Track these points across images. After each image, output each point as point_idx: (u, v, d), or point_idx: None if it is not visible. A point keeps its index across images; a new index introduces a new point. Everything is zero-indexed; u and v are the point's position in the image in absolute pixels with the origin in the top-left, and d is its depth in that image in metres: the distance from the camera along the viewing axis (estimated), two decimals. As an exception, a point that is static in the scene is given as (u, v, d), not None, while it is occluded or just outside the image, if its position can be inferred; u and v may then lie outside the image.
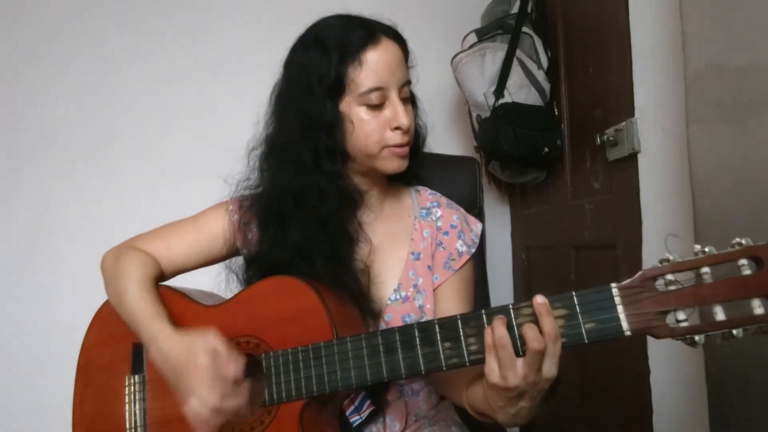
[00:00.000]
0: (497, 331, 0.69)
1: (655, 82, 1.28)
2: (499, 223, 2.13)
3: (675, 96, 1.15)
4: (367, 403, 0.90)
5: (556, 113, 1.78)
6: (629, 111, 1.36)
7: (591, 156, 1.59)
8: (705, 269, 0.61)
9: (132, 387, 0.95)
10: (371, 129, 0.93)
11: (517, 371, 0.67)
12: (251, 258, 1.00)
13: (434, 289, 1.01)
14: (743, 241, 0.60)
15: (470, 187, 1.34)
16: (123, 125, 1.93)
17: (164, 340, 0.84)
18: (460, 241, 1.03)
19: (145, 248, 1.02)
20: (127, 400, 0.95)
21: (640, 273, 0.65)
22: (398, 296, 0.98)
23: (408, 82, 0.97)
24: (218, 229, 1.03)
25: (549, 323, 0.68)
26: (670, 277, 0.63)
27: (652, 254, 1.30)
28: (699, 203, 0.98)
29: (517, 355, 0.69)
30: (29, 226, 1.87)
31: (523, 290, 2.08)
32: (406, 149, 0.96)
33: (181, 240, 1.03)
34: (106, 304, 1.02)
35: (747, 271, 0.59)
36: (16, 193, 1.87)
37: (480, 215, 1.35)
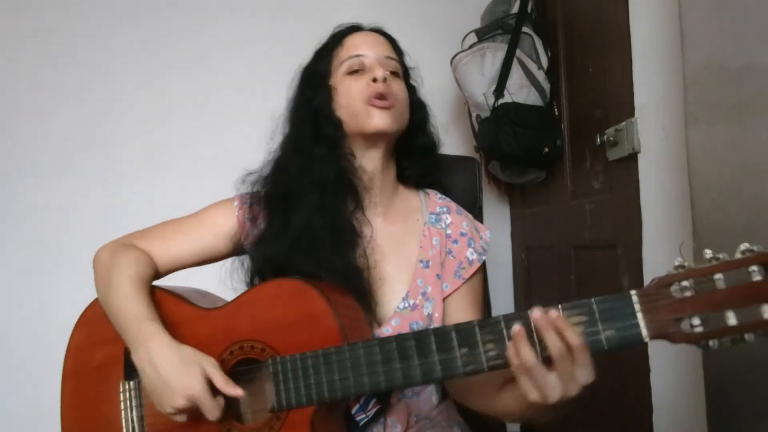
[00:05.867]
0: (522, 353, 0.67)
1: (655, 82, 1.28)
2: (499, 223, 2.13)
3: (675, 96, 1.15)
4: (373, 401, 0.89)
5: (556, 113, 1.78)
6: (629, 111, 1.36)
7: (591, 156, 1.59)
8: (718, 275, 0.63)
9: (127, 393, 0.92)
10: (354, 89, 0.99)
11: (556, 387, 0.66)
12: (256, 249, 0.99)
13: (444, 298, 1.00)
14: (755, 248, 0.62)
15: (470, 187, 1.33)
16: (122, 124, 1.93)
17: (157, 343, 0.82)
18: (471, 249, 1.03)
19: (141, 246, 1.00)
20: (122, 407, 0.92)
21: (656, 280, 0.65)
22: (407, 304, 0.97)
23: (393, 58, 1.03)
24: (223, 225, 1.02)
25: (572, 335, 0.66)
26: (685, 283, 0.64)
27: (652, 254, 1.30)
28: (698, 204, 0.98)
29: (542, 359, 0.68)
30: (29, 226, 1.87)
31: (523, 290, 2.08)
32: (385, 102, 0.97)
33: (182, 237, 1.02)
34: (93, 305, 0.99)
35: (757, 277, 0.61)
36: (15, 193, 1.87)
37: (480, 215, 1.34)
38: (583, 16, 1.65)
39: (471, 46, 1.80)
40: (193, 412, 0.82)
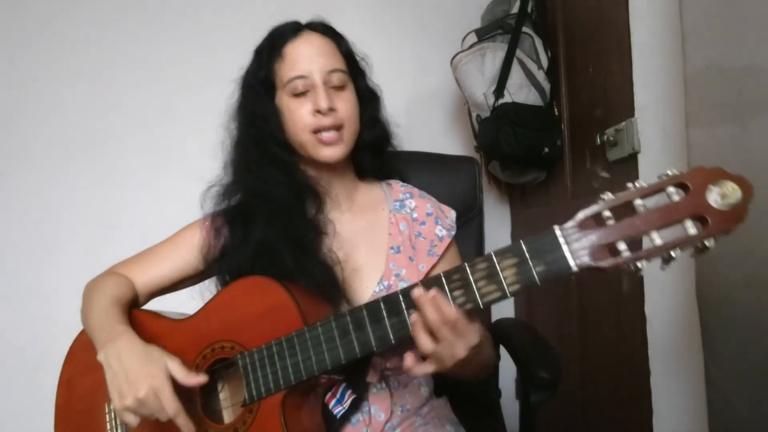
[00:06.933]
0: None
1: (655, 82, 1.28)
2: (499, 223, 2.13)
3: (675, 96, 1.15)
4: (348, 393, 0.91)
5: (556, 113, 1.78)
6: (629, 111, 1.36)
7: (591, 156, 1.59)
8: (638, 201, 0.65)
9: (112, 414, 0.94)
10: (298, 115, 0.98)
11: (445, 353, 0.74)
12: (222, 260, 1.00)
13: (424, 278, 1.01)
14: (669, 172, 0.65)
15: (470, 187, 1.34)
16: (122, 125, 1.92)
17: (125, 341, 0.85)
18: (439, 227, 1.05)
19: (122, 271, 1.04)
20: (108, 427, 0.94)
21: (579, 213, 0.69)
22: (382, 287, 0.99)
23: (337, 70, 0.99)
24: (192, 239, 1.04)
25: (447, 309, 0.72)
26: (607, 213, 0.67)
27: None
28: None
29: (477, 307, 0.74)
30: (29, 226, 1.86)
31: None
32: (332, 135, 0.97)
33: (158, 259, 1.05)
34: (78, 338, 1.02)
35: (676, 197, 0.64)
36: (15, 193, 1.87)
37: (480, 215, 1.34)
38: (584, 16, 1.65)
39: (471, 46, 1.80)
40: (148, 419, 0.81)
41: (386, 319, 0.77)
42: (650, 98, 1.31)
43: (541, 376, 1.05)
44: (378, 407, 0.96)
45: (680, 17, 1.02)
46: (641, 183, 0.66)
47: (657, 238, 0.64)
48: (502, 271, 0.72)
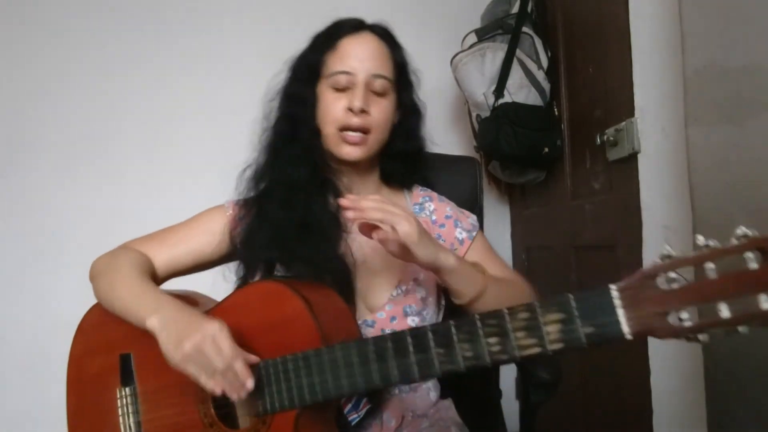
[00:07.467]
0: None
1: (655, 82, 1.28)
2: (499, 223, 2.13)
3: (675, 96, 1.15)
4: (364, 401, 0.90)
5: (556, 113, 1.77)
6: (629, 111, 1.36)
7: (591, 156, 1.59)
8: (709, 264, 0.57)
9: (124, 399, 0.94)
10: (331, 109, 0.98)
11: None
12: (242, 244, 1.00)
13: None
14: (750, 233, 0.56)
15: (470, 187, 1.33)
16: (123, 124, 1.93)
17: (176, 307, 0.84)
18: (459, 229, 1.05)
19: (138, 248, 1.02)
20: (120, 413, 0.93)
21: (639, 272, 0.61)
22: (400, 291, 0.99)
23: (382, 77, 0.99)
24: (213, 225, 1.03)
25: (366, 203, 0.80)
26: (672, 274, 0.59)
27: (652, 254, 1.30)
28: (697, 203, 0.98)
29: (514, 360, 0.68)
30: (30, 226, 1.86)
31: (524, 290, 2.07)
32: (356, 136, 0.97)
33: (178, 238, 1.03)
34: (88, 315, 1.00)
35: (753, 265, 0.55)
36: (17, 192, 1.87)
37: (480, 215, 1.34)
38: (583, 16, 1.65)
39: (471, 46, 1.80)
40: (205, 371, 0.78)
41: (412, 354, 0.73)
42: (650, 98, 1.31)
43: (541, 376, 1.04)
44: (390, 414, 0.96)
45: (680, 17, 1.02)
46: (715, 243, 0.58)
47: (725, 310, 0.56)
48: (545, 325, 0.65)
